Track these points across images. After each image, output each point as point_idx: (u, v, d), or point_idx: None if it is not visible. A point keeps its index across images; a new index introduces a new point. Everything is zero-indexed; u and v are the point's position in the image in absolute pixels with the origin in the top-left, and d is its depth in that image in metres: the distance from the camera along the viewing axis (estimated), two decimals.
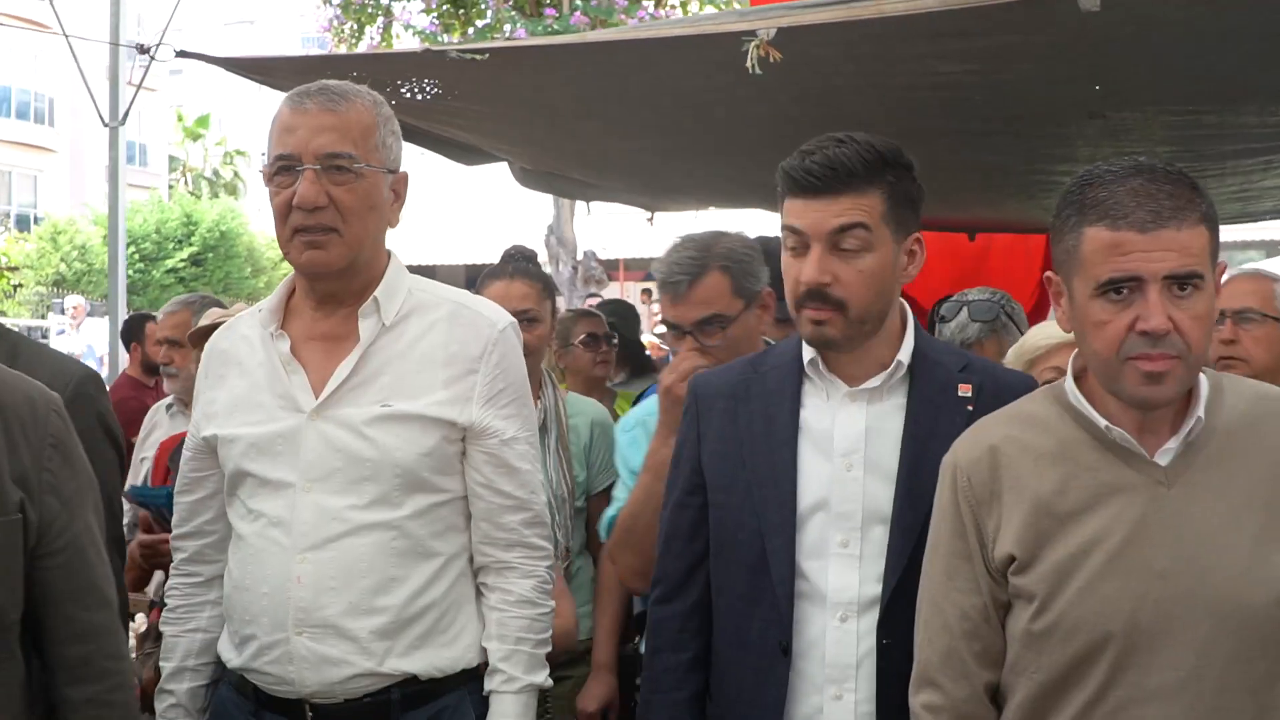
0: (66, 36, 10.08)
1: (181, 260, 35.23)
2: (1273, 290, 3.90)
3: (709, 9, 16.41)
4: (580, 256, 15.76)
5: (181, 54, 4.49)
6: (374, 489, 2.71)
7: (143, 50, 4.57)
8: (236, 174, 55.52)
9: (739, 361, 2.99)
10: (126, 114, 9.96)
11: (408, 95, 4.66)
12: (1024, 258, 8.86)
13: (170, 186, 51.31)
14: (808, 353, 2.76)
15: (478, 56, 4.17)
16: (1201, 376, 2.35)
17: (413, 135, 5.42)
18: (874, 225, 2.63)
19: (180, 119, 52.31)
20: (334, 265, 2.74)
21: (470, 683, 2.83)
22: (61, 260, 34.02)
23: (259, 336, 2.86)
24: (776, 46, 3.80)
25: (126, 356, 9.36)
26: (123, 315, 10.44)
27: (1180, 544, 2.25)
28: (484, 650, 2.83)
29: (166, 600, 3.02)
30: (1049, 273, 2.42)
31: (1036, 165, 6.45)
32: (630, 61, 4.43)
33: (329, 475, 2.72)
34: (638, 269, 27.22)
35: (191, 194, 46.04)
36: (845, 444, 2.70)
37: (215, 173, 54.80)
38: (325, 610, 2.68)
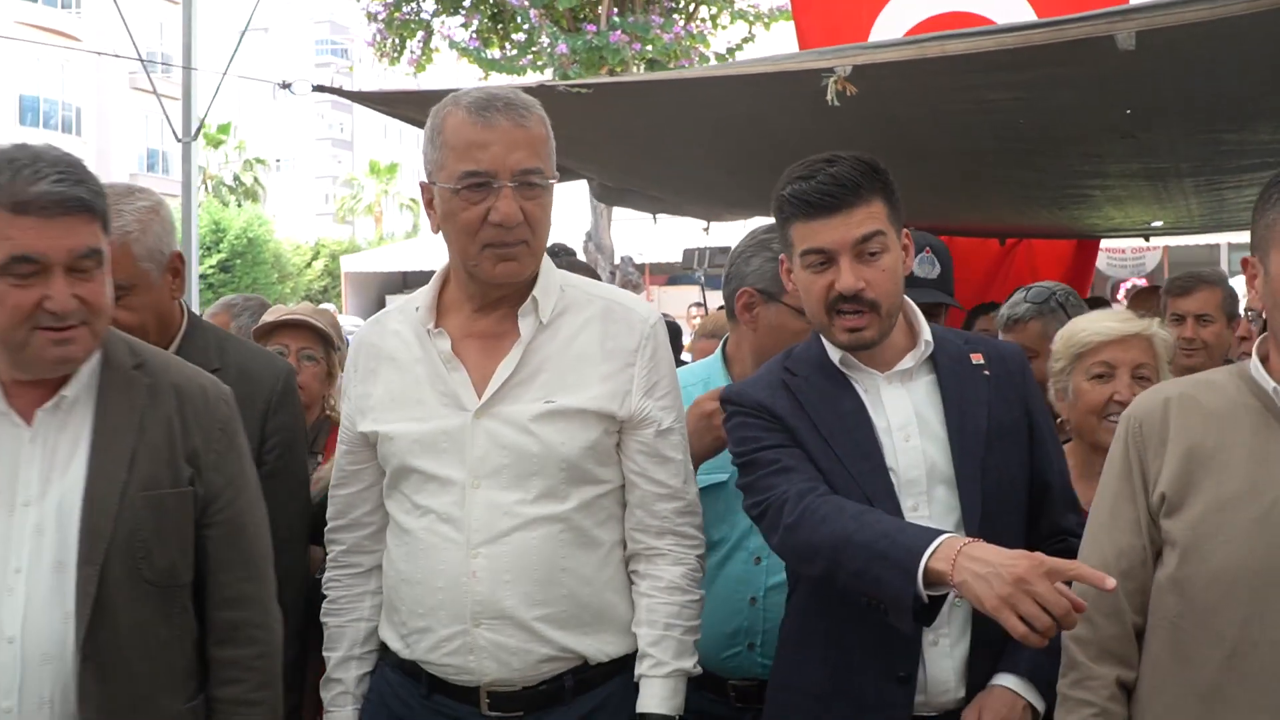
0: (142, 60, 10.64)
1: (211, 267, 35.53)
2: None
3: (739, 23, 16.96)
4: (618, 261, 16.24)
5: (319, 88, 4.95)
6: (541, 483, 2.74)
7: (284, 86, 4.89)
8: (256, 180, 56.01)
9: (768, 365, 3.03)
10: (198, 130, 10.52)
11: None
12: (1053, 263, 9.34)
13: None
14: (834, 353, 2.87)
15: (584, 90, 4.71)
16: None
17: None
18: (885, 229, 2.78)
19: (202, 126, 52.75)
20: (524, 275, 2.79)
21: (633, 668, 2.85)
22: None
23: (413, 333, 2.87)
24: (851, 81, 4.31)
25: None
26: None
27: None
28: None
29: (326, 592, 3.05)
30: (1246, 256, 2.45)
31: (1069, 180, 6.92)
32: (716, 94, 4.97)
33: (497, 471, 2.75)
34: (660, 273, 27.80)
35: (221, 201, 46.50)
36: (899, 419, 2.82)
37: (236, 178, 55.26)
38: (503, 602, 2.72)
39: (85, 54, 45.07)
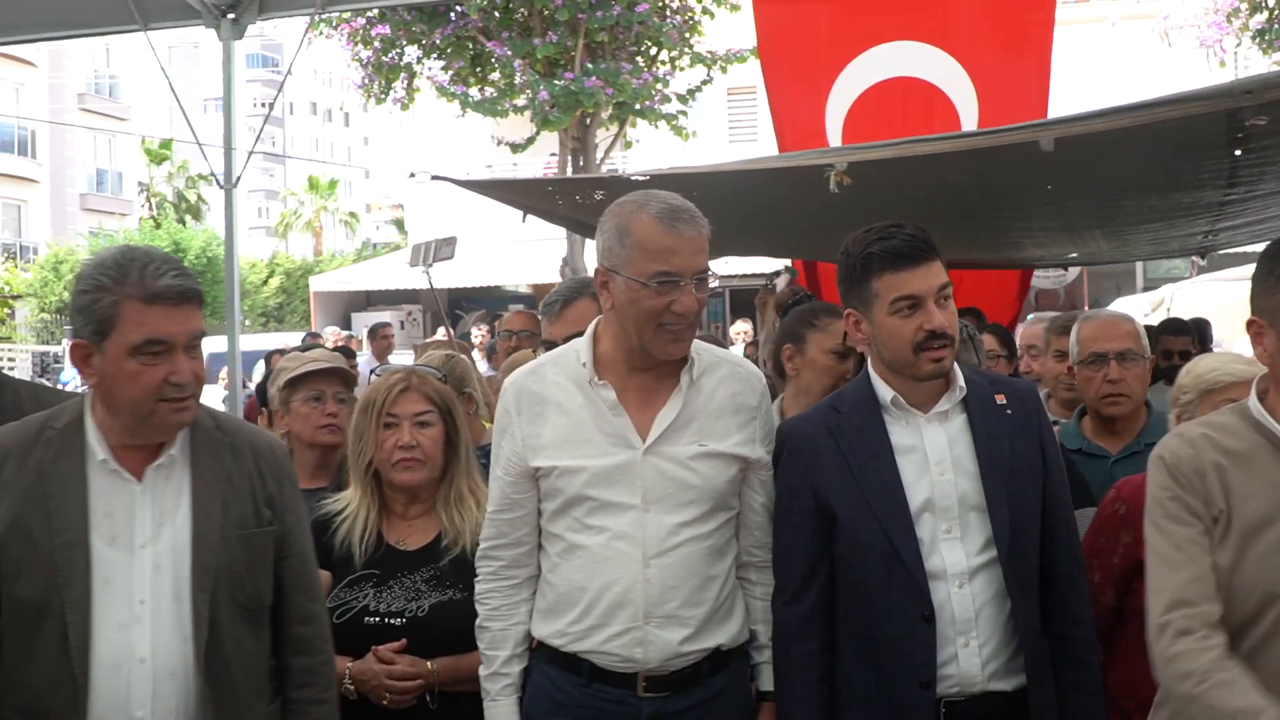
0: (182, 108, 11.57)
1: None
2: (1139, 331, 4.64)
3: (698, 66, 18.37)
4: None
5: (437, 178, 6.12)
6: (695, 509, 3.27)
7: (411, 175, 5.95)
8: (200, 196, 56.13)
9: (818, 407, 3.49)
10: (239, 177, 11.51)
11: (579, 200, 6.64)
12: (996, 290, 10.46)
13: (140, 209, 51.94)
14: (886, 393, 3.26)
15: (643, 177, 6.15)
16: None
17: (577, 225, 7.50)
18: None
19: (145, 144, 52.92)
20: (687, 351, 3.31)
21: (746, 655, 3.40)
22: (65, 289, 34.16)
23: (573, 383, 3.33)
24: (846, 173, 5.68)
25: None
26: (239, 346, 11.90)
27: None
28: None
29: (485, 602, 3.45)
30: (1251, 317, 2.80)
31: (1002, 232, 8.54)
32: (740, 179, 6.48)
33: (663, 498, 3.25)
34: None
35: (179, 220, 46.63)
36: (936, 455, 3.22)
37: (180, 195, 55.34)
38: (669, 604, 3.23)
39: (39, 78, 45.37)
